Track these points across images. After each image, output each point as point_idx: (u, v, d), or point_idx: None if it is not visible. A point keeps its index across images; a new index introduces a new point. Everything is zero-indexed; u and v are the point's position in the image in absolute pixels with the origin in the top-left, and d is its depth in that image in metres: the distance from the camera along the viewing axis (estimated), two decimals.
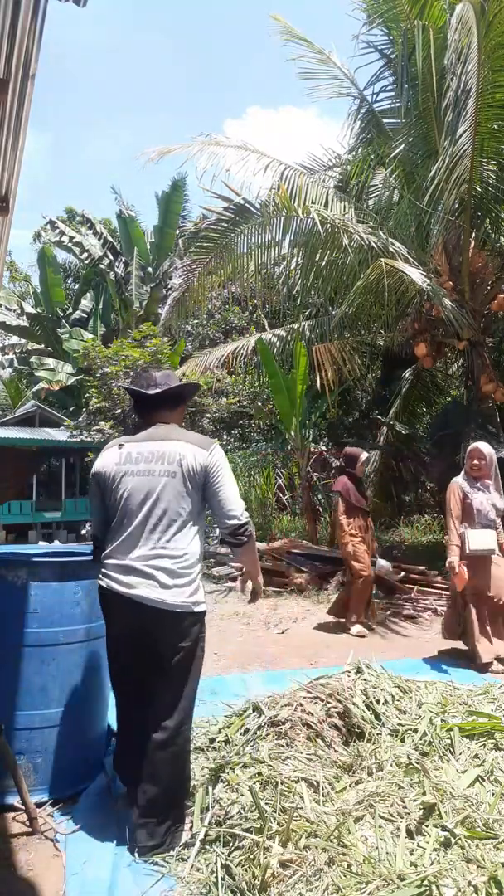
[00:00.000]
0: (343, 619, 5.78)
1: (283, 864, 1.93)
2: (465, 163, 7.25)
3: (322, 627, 5.86)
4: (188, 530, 2.35)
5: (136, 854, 2.19)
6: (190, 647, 2.33)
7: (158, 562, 2.29)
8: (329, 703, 2.79)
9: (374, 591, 7.29)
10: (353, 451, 6.08)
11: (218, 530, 2.49)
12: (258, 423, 14.40)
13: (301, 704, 2.76)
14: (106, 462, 2.43)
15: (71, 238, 20.58)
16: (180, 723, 2.31)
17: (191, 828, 2.28)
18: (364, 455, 6.08)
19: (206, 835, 2.15)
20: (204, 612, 2.39)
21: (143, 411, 2.58)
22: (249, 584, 2.67)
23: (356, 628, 5.59)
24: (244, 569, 2.66)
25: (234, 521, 2.35)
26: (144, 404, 2.56)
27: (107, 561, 2.37)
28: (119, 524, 2.37)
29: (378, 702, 2.93)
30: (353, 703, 2.81)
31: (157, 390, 2.51)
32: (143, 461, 2.37)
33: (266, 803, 2.18)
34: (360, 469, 6.03)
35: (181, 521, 2.33)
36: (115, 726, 2.65)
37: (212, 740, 2.91)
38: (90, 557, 2.67)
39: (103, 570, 2.38)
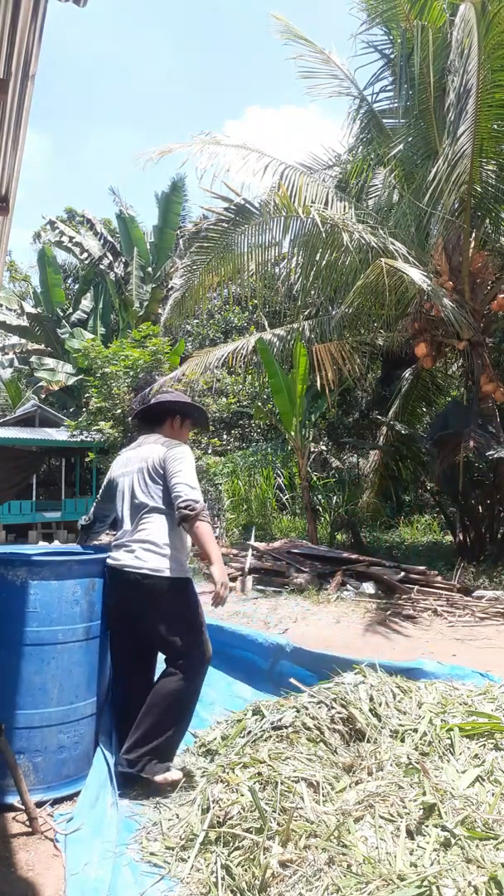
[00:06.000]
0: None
1: (283, 864, 1.93)
2: (465, 163, 7.25)
3: (322, 627, 5.86)
4: (157, 516, 2.79)
5: (116, 768, 2.55)
6: (171, 609, 2.69)
7: (136, 542, 2.76)
8: (334, 707, 2.78)
9: (375, 591, 7.30)
10: None
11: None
12: (258, 423, 14.41)
13: (306, 708, 2.76)
14: (113, 468, 3.08)
15: (71, 238, 20.58)
16: (174, 665, 2.66)
17: (191, 828, 2.28)
18: None
19: (206, 835, 2.15)
20: (181, 578, 2.73)
21: (139, 424, 3.21)
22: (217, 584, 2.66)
23: None
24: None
25: (178, 496, 2.68)
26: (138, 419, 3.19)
27: (112, 544, 2.91)
28: (118, 515, 2.94)
29: (379, 703, 2.92)
30: (359, 709, 2.80)
31: (138, 408, 3.16)
32: (130, 464, 2.94)
33: (266, 803, 2.18)
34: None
35: (148, 509, 2.80)
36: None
37: (212, 741, 2.91)
38: (90, 556, 2.84)
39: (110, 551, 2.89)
